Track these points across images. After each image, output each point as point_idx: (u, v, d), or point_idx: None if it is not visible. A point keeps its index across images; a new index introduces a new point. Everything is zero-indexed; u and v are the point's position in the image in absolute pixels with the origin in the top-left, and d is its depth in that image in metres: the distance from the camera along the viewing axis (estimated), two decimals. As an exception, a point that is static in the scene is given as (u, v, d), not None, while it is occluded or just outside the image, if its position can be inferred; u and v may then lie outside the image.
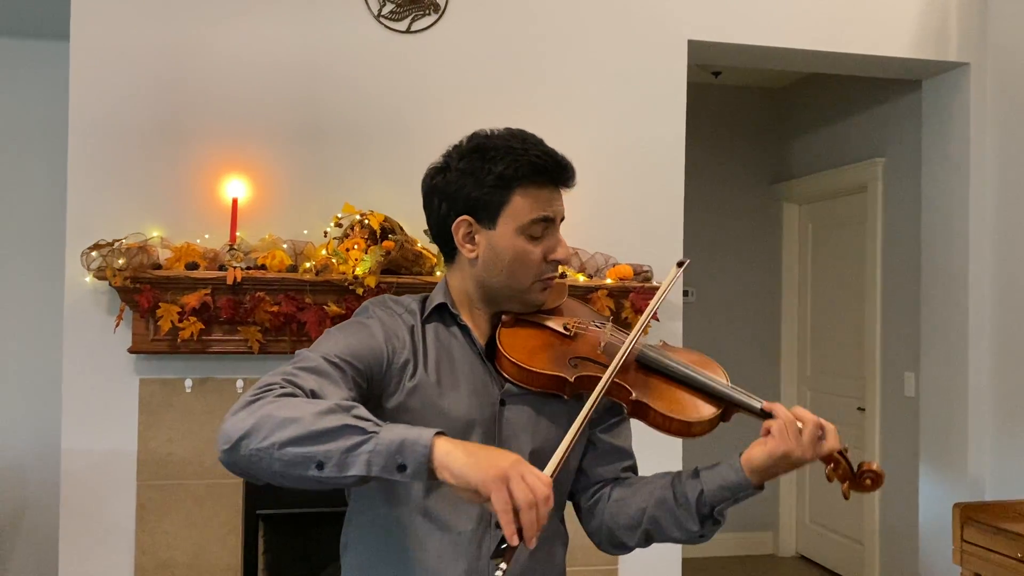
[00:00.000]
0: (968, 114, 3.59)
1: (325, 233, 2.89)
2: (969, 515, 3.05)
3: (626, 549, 1.44)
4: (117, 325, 2.79)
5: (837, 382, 4.85)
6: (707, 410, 1.34)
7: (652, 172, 3.24)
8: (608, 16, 3.23)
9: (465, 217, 1.36)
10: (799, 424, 1.28)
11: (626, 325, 3.06)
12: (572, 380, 1.33)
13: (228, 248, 2.81)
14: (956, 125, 3.66)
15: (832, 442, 1.29)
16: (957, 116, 3.65)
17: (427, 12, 3.09)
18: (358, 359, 1.27)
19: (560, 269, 1.46)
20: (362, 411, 1.13)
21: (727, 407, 1.35)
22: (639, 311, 3.02)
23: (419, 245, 2.90)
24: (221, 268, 2.77)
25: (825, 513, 4.94)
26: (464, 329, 1.40)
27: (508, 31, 3.16)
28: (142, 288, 2.70)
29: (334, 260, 2.79)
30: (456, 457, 1.07)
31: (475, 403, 1.34)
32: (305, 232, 2.90)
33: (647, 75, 3.25)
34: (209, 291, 2.72)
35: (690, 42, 3.28)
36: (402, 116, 3.07)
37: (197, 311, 2.71)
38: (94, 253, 2.73)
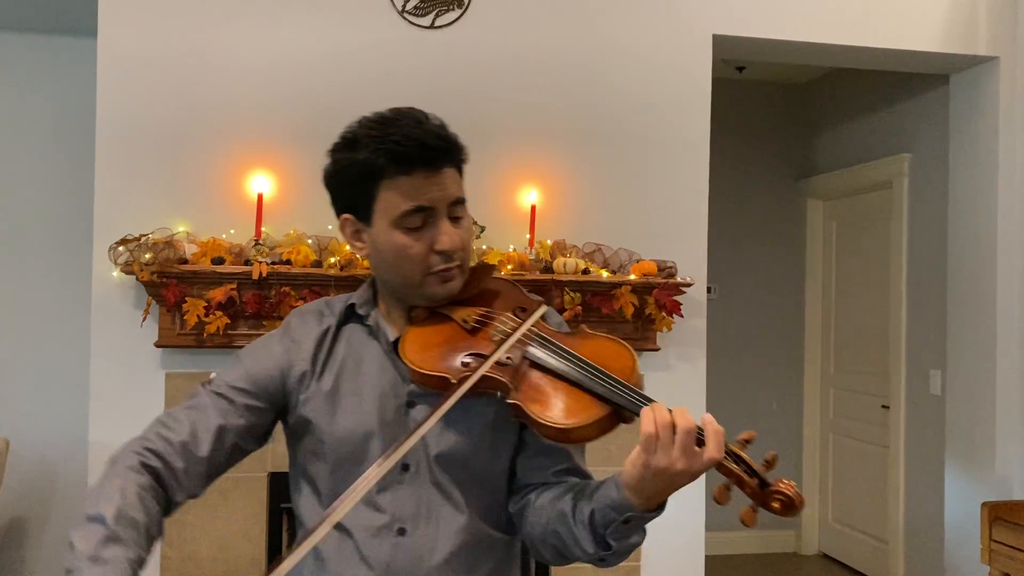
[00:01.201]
0: (997, 109, 3.55)
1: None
2: (998, 514, 3.02)
3: (547, 562, 1.30)
4: (144, 319, 2.82)
5: (861, 380, 4.81)
6: (587, 414, 1.14)
7: (676, 168, 3.23)
8: (633, 10, 3.22)
9: (347, 216, 1.30)
10: (656, 426, 1.09)
11: (648, 320, 3.05)
12: (455, 381, 1.19)
13: (253, 243, 2.82)
14: (985, 120, 3.62)
15: (712, 451, 1.08)
16: (986, 111, 3.61)
17: (451, 7, 3.09)
18: (253, 383, 1.28)
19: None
20: (102, 535, 1.06)
21: (616, 408, 1.15)
22: (663, 307, 3.00)
23: (443, 240, 2.90)
24: (246, 263, 2.78)
25: (848, 512, 4.91)
26: (370, 329, 1.34)
27: (531, 25, 3.15)
28: (168, 283, 2.72)
29: (358, 255, 2.80)
30: None
31: (378, 407, 1.28)
32: (330, 227, 2.91)
33: (672, 70, 3.24)
34: (235, 286, 2.74)
35: (715, 37, 3.26)
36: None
37: (223, 305, 2.73)
38: (121, 248, 2.76)
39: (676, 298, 3.04)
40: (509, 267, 2.92)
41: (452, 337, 1.28)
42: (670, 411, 1.11)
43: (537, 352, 1.23)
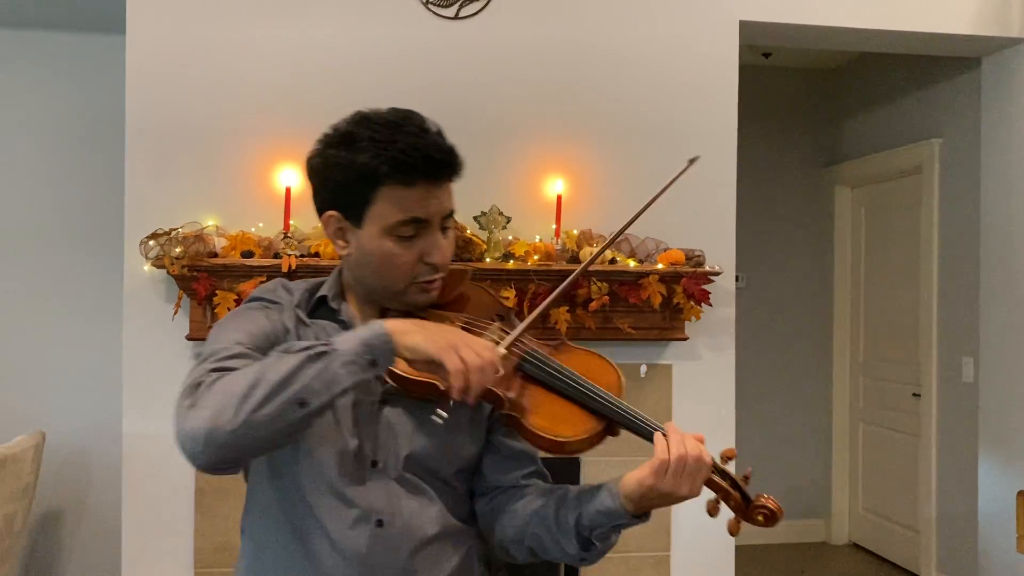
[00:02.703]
0: (1031, 92, 3.49)
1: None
2: (1033, 503, 2.98)
3: (516, 561, 1.36)
4: (175, 312, 2.85)
5: (891, 368, 4.76)
6: (583, 427, 1.21)
7: (704, 156, 3.17)
8: (658, -2, 3.20)
9: (333, 213, 1.28)
10: (669, 454, 1.17)
11: (677, 310, 3.04)
12: (443, 388, 1.18)
13: (282, 236, 2.84)
14: (1017, 103, 3.56)
15: (704, 468, 1.17)
16: (1019, 94, 3.55)
17: (475, -2, 3.09)
18: (258, 347, 1.24)
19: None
20: (301, 343, 1.15)
21: (610, 424, 1.23)
22: (692, 296, 2.99)
23: (468, 232, 2.90)
24: (276, 256, 2.80)
25: (879, 501, 4.87)
26: (344, 324, 1.32)
27: (555, 14, 3.14)
28: (199, 276, 2.75)
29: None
30: (410, 334, 1.14)
31: (351, 402, 1.26)
32: (357, 220, 2.91)
33: (698, 57, 3.21)
34: (264, 278, 2.76)
35: (742, 22, 3.23)
36: (450, 103, 3.05)
37: (253, 298, 2.75)
38: (152, 242, 2.79)
39: (704, 287, 3.02)
40: (536, 257, 2.92)
41: None
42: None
43: (531, 365, 1.26)
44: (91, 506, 3.86)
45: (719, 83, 3.22)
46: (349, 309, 1.34)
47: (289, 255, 2.77)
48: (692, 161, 1.38)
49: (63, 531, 3.87)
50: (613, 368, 1.30)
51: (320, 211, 1.31)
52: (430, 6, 3.07)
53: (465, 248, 2.88)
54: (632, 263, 2.98)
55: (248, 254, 2.79)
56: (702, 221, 3.17)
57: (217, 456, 1.09)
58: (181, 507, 2.91)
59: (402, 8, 3.05)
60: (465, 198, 1.42)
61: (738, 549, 3.28)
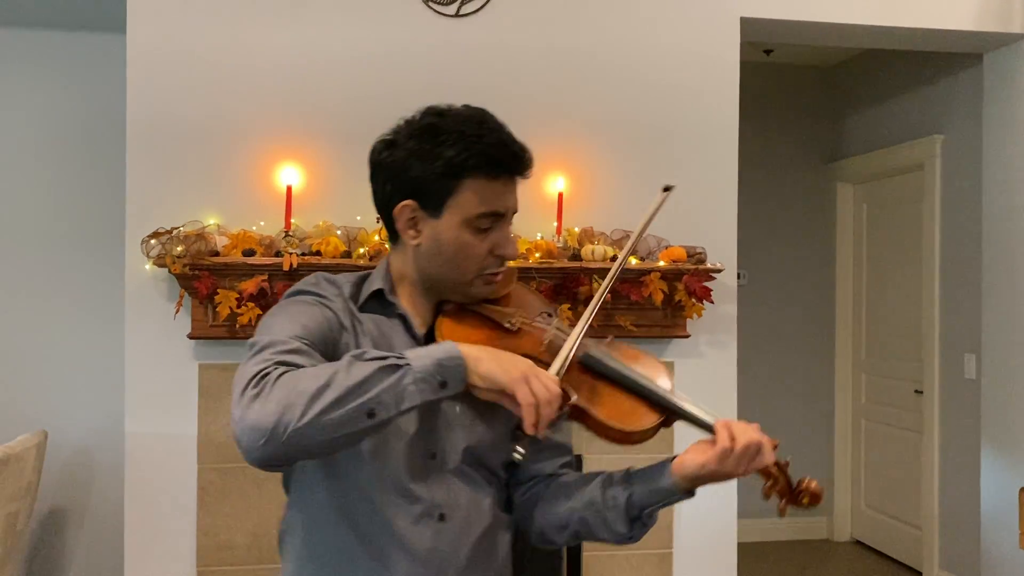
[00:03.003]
0: (1033, 87, 3.48)
1: (378, 219, 2.89)
2: (1036, 499, 2.98)
3: (554, 546, 1.41)
4: (177, 311, 2.84)
5: (893, 365, 4.76)
6: (648, 419, 1.29)
7: (705, 153, 3.20)
8: (659, -5, 3.19)
9: (409, 202, 1.29)
10: (734, 442, 1.24)
11: (678, 307, 3.03)
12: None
13: (283, 235, 2.84)
14: (1019, 99, 3.55)
15: (766, 459, 1.26)
16: (1020, 90, 3.54)
17: (476, -5, 3.08)
18: (314, 344, 1.22)
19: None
20: (374, 352, 1.15)
21: (669, 416, 1.31)
22: (693, 294, 2.98)
23: (471, 229, 2.90)
24: (277, 254, 2.80)
25: (881, 497, 4.86)
26: (402, 318, 1.34)
27: (557, 11, 3.13)
28: (200, 275, 2.75)
29: (387, 245, 2.81)
30: (483, 362, 1.16)
31: None
32: (358, 218, 2.92)
33: (699, 54, 3.21)
34: (266, 277, 2.76)
35: (743, 19, 3.22)
36: (451, 101, 3.04)
37: (255, 297, 2.75)
38: (153, 241, 2.79)
39: (706, 284, 3.02)
40: (537, 255, 2.91)
41: (493, 337, 1.31)
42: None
43: (596, 361, 1.32)
44: (94, 505, 3.86)
45: (720, 80, 3.22)
46: (402, 303, 1.35)
47: (291, 254, 2.77)
48: (668, 190, 1.43)
49: (66, 530, 3.87)
50: (662, 364, 1.37)
51: (389, 202, 1.31)
52: (431, 4, 3.06)
53: (467, 246, 2.87)
54: (634, 260, 2.98)
55: (250, 253, 2.79)
56: (704, 218, 3.17)
57: (276, 452, 1.07)
58: (184, 506, 2.91)
59: (403, 6, 3.05)
60: (466, 195, 1.42)
61: (740, 547, 3.27)
